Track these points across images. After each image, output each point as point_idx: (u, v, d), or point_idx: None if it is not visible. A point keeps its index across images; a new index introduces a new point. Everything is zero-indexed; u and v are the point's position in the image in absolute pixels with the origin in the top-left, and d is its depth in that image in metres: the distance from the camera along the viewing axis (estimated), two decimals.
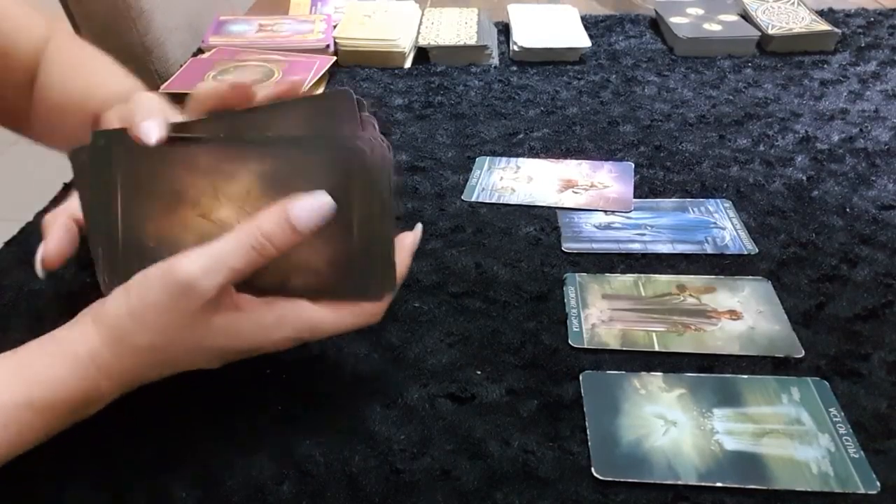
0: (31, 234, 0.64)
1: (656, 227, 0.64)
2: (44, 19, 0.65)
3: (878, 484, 0.42)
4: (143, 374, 0.43)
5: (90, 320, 0.42)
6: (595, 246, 0.62)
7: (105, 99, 0.53)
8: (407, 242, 0.47)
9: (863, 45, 1.02)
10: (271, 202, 0.41)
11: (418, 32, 1.03)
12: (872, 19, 1.10)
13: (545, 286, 0.57)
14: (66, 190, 0.70)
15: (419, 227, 0.49)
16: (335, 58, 0.96)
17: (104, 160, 0.44)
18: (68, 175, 0.71)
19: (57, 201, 0.68)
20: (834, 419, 0.46)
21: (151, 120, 0.43)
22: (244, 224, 0.41)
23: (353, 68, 0.98)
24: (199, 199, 0.43)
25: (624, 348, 0.51)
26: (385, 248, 0.44)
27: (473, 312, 0.55)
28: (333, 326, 0.44)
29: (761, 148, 0.77)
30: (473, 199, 0.69)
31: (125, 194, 0.44)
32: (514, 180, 0.72)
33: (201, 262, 0.40)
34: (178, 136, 0.43)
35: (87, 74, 0.62)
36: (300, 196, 0.41)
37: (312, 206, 0.41)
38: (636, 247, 0.62)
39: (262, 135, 0.44)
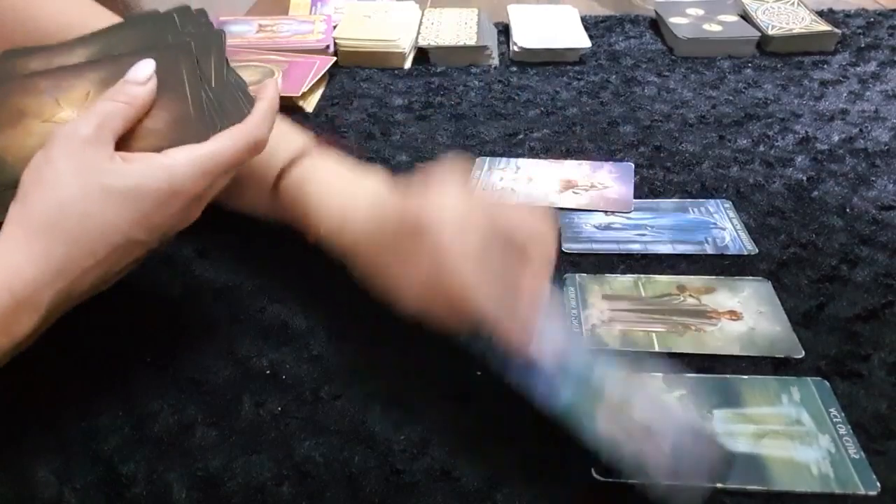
0: None
1: (656, 227, 0.64)
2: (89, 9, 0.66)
3: (878, 485, 0.42)
4: (74, 255, 0.40)
5: (5, 225, 0.41)
6: (595, 246, 0.62)
7: None
8: (268, 82, 0.50)
9: (863, 45, 1.02)
10: None
11: (418, 33, 1.03)
12: (872, 20, 1.10)
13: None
14: None
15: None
16: (335, 58, 0.96)
17: None
18: None
19: None
20: (834, 419, 0.45)
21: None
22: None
23: (352, 69, 0.98)
24: (41, 110, 0.47)
25: (624, 349, 0.51)
26: (224, 100, 0.48)
27: None
28: (229, 146, 0.45)
29: (761, 148, 0.77)
30: None
31: None
32: (514, 181, 0.72)
33: (75, 119, 0.43)
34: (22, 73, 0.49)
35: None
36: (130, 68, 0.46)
37: (140, 64, 0.46)
38: (636, 247, 0.62)
39: (97, 57, 0.50)
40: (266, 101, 0.48)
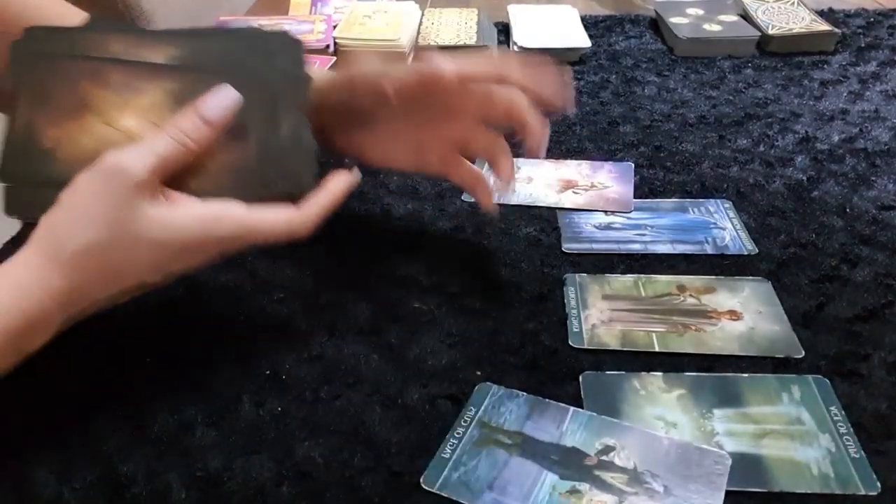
0: (31, 233, 0.64)
1: (656, 227, 0.64)
2: (78, 14, 0.66)
3: (879, 485, 0.41)
4: (88, 290, 0.42)
5: (30, 248, 0.41)
6: (595, 246, 0.62)
7: None
8: (341, 173, 0.49)
9: (863, 45, 1.02)
10: (171, 114, 0.44)
11: (418, 33, 1.03)
12: (872, 20, 1.10)
13: (545, 286, 0.57)
14: None
15: (356, 171, 0.51)
16: (335, 58, 0.96)
17: (17, 62, 0.47)
18: None
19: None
20: (835, 418, 0.45)
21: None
22: (164, 123, 0.43)
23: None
24: (105, 109, 0.45)
25: (624, 349, 0.51)
26: (291, 158, 0.47)
27: (473, 313, 0.55)
28: (267, 225, 0.45)
29: (761, 148, 0.77)
30: (473, 199, 0.69)
31: (30, 97, 0.46)
32: (514, 181, 0.72)
33: (132, 150, 0.41)
34: (92, 56, 0.47)
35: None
36: (207, 93, 0.45)
37: (219, 97, 0.45)
38: (636, 247, 0.62)
39: (176, 63, 0.47)
40: (329, 197, 0.47)
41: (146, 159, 0.41)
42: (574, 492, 0.41)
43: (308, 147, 0.47)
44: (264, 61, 0.48)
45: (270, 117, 0.46)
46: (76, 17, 0.64)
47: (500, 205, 0.68)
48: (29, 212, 0.44)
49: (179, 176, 0.44)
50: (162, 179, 0.43)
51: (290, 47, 0.49)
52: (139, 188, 0.41)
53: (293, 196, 0.46)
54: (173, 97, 0.45)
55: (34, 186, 0.44)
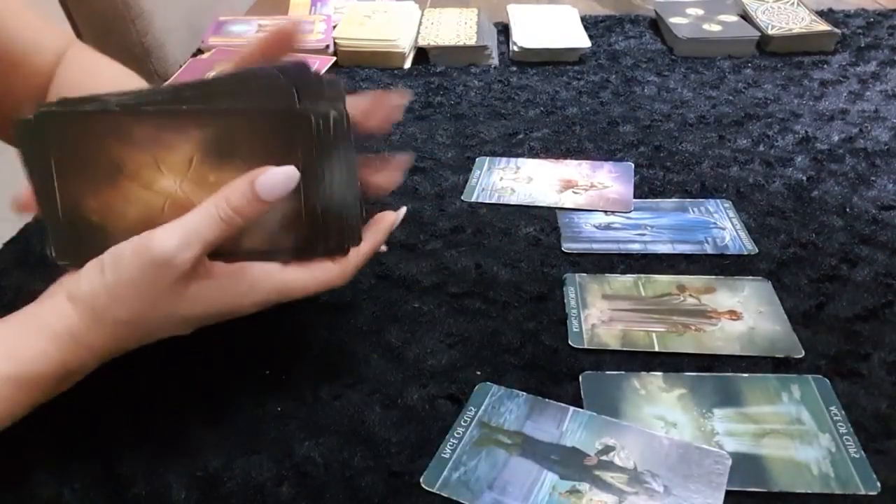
0: (31, 234, 0.64)
1: (656, 227, 0.64)
2: (62, 33, 0.66)
3: (879, 485, 0.41)
4: (122, 346, 0.44)
5: (65, 298, 0.42)
6: (595, 246, 0.62)
7: None
8: (386, 218, 0.48)
9: (862, 45, 1.02)
10: (216, 170, 0.42)
11: (418, 33, 1.03)
12: (872, 20, 1.10)
13: (545, 286, 0.57)
14: None
15: (403, 209, 0.49)
16: (335, 58, 0.96)
17: (38, 136, 0.43)
18: None
19: None
20: (835, 418, 0.45)
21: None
22: (212, 197, 0.42)
23: (352, 69, 0.97)
24: (140, 172, 0.43)
25: (624, 349, 0.51)
26: (339, 211, 0.44)
27: (473, 313, 0.55)
28: (303, 286, 0.44)
29: (761, 148, 0.77)
30: (473, 199, 0.69)
31: (60, 171, 0.43)
32: (514, 181, 0.72)
33: (176, 237, 0.41)
34: (109, 110, 0.43)
35: (108, 78, 0.63)
36: (266, 168, 0.42)
37: (278, 177, 0.42)
38: (636, 247, 0.62)
39: (198, 105, 0.43)
40: (371, 245, 0.47)
41: (191, 250, 0.41)
42: (574, 492, 0.41)
43: (354, 197, 0.45)
44: (308, 95, 0.44)
45: (319, 166, 0.43)
46: (58, 35, 0.65)
47: (501, 205, 0.68)
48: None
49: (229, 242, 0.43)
50: (200, 264, 0.42)
51: (335, 90, 0.46)
52: (184, 277, 0.41)
53: (339, 250, 0.45)
54: (209, 150, 0.43)
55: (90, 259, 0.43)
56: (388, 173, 0.52)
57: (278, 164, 0.42)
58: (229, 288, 0.43)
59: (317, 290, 0.45)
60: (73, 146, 0.43)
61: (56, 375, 0.42)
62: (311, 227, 0.44)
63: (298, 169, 0.42)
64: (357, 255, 0.46)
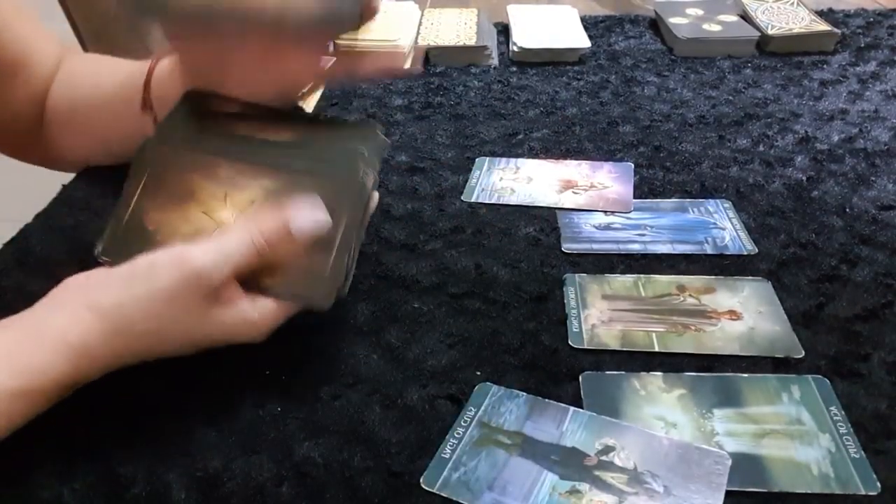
0: (30, 234, 0.64)
1: (656, 227, 0.64)
2: (59, 41, 0.66)
3: (879, 485, 0.41)
4: (126, 361, 0.44)
5: (84, 307, 0.42)
6: (595, 246, 0.62)
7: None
8: None
9: (862, 45, 1.02)
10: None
11: (418, 33, 1.03)
12: (872, 20, 1.10)
13: (545, 287, 0.57)
14: (65, 190, 0.70)
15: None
16: (334, 58, 0.96)
17: (145, 154, 0.52)
18: (67, 176, 0.71)
19: (57, 201, 0.69)
20: (835, 418, 0.45)
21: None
22: (246, 222, 0.45)
23: None
24: (208, 201, 0.49)
25: (624, 349, 0.51)
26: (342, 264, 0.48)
27: (473, 313, 0.55)
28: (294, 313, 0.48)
29: (761, 148, 0.77)
30: (473, 199, 0.69)
31: (147, 184, 0.50)
32: (514, 181, 0.72)
33: (212, 254, 0.43)
34: (206, 148, 0.51)
35: (107, 76, 0.64)
36: (301, 205, 0.45)
37: (311, 217, 0.46)
38: (636, 247, 0.62)
39: (280, 160, 0.50)
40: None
41: (224, 269, 0.43)
42: (574, 492, 0.41)
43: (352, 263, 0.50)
44: (356, 168, 0.49)
45: (355, 225, 0.48)
46: (55, 42, 0.65)
47: (500, 205, 0.68)
48: None
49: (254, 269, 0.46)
50: (227, 285, 0.44)
51: (378, 149, 0.52)
52: (210, 296, 0.43)
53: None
54: (269, 195, 0.49)
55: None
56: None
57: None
58: (242, 316, 0.45)
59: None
60: (164, 169, 0.51)
61: (61, 386, 0.42)
62: (330, 283, 0.47)
63: (338, 229, 0.47)
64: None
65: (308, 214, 0.46)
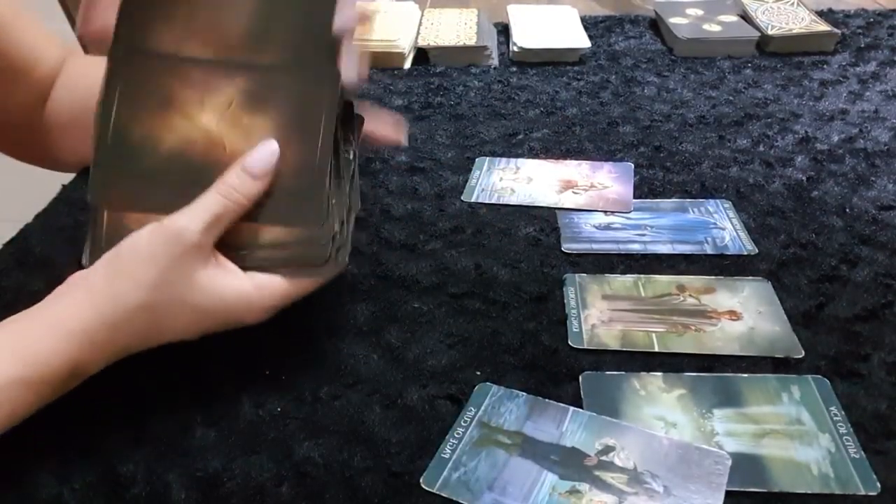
0: (30, 234, 0.64)
1: (656, 227, 0.64)
2: (62, 43, 0.66)
3: (879, 485, 0.41)
4: (132, 343, 0.44)
5: (81, 293, 0.43)
6: (595, 246, 0.62)
7: None
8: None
9: (862, 45, 1.02)
10: (248, 114, 0.47)
11: (418, 33, 1.03)
12: (872, 20, 1.10)
13: (545, 287, 0.57)
14: (65, 190, 0.70)
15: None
16: None
17: (116, 70, 0.49)
18: (67, 176, 0.71)
19: (57, 201, 0.69)
20: (834, 418, 0.45)
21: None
22: (215, 183, 0.45)
23: None
24: (185, 106, 0.48)
25: (624, 349, 0.51)
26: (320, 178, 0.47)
27: (473, 313, 0.55)
28: (310, 288, 0.48)
29: (761, 148, 0.77)
30: (473, 199, 0.69)
31: (122, 100, 0.49)
32: (514, 181, 0.72)
33: (186, 213, 0.44)
34: (180, 56, 0.49)
35: None
36: (253, 150, 0.46)
37: (262, 153, 0.46)
38: (636, 247, 0.62)
39: (252, 59, 0.48)
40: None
41: (200, 219, 0.44)
42: (574, 492, 0.41)
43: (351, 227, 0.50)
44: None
45: (341, 145, 0.48)
46: (58, 44, 0.65)
47: (500, 205, 0.68)
48: (115, 203, 0.48)
49: (238, 242, 0.46)
50: (217, 236, 0.45)
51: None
52: (193, 250, 0.43)
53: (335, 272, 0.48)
54: (247, 96, 0.48)
55: (125, 179, 0.47)
56: (394, 128, 0.55)
57: (303, 118, 0.47)
58: (238, 287, 0.45)
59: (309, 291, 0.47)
60: (138, 81, 0.49)
61: (65, 374, 0.42)
62: (320, 250, 0.47)
63: (319, 126, 0.46)
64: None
65: (258, 151, 0.46)
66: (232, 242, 0.46)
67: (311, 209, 0.47)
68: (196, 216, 0.44)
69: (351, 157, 0.50)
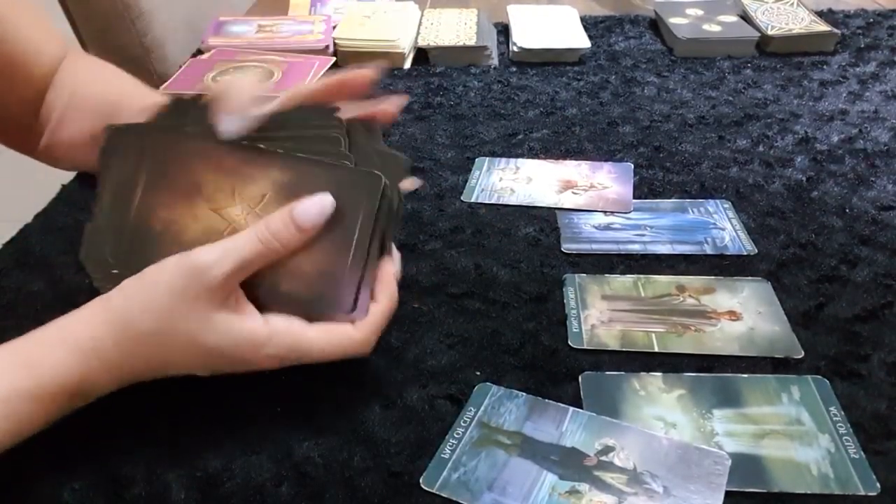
0: (30, 234, 0.64)
1: (656, 227, 0.64)
2: (60, 40, 0.66)
3: (878, 485, 0.42)
4: (139, 370, 0.44)
5: (99, 308, 0.43)
6: (594, 247, 0.62)
7: (142, 108, 0.53)
8: (386, 270, 0.47)
9: (862, 45, 1.02)
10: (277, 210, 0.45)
11: (418, 33, 1.03)
12: (872, 20, 1.10)
13: (545, 287, 0.57)
14: (65, 190, 0.70)
15: (397, 256, 0.50)
16: (334, 58, 0.96)
17: (138, 146, 0.48)
18: (67, 176, 0.71)
19: (57, 201, 0.69)
20: (834, 418, 0.45)
21: (233, 115, 0.46)
22: (254, 224, 0.44)
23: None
24: (215, 195, 0.46)
25: (623, 349, 0.51)
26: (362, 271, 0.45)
27: (473, 313, 0.55)
28: (320, 349, 0.45)
29: (761, 149, 0.77)
30: (473, 199, 0.69)
31: (149, 180, 0.47)
32: (514, 181, 0.72)
33: (215, 251, 0.42)
34: (208, 137, 0.46)
35: (105, 84, 0.63)
36: (305, 198, 0.44)
37: (314, 204, 0.44)
38: (636, 247, 0.62)
39: (291, 152, 0.46)
40: (384, 315, 0.47)
41: (227, 264, 0.42)
42: (574, 492, 0.41)
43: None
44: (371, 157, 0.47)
45: (376, 236, 0.45)
46: (57, 41, 0.65)
47: (500, 205, 0.68)
48: (105, 281, 0.46)
49: (268, 273, 0.45)
50: (242, 278, 0.44)
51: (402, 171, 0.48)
52: (212, 292, 0.42)
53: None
54: (281, 191, 0.45)
55: (142, 263, 0.44)
56: (390, 102, 0.53)
57: (342, 215, 0.44)
58: (251, 333, 0.43)
59: (336, 356, 0.45)
60: (165, 161, 0.47)
61: (71, 388, 0.42)
62: (346, 285, 0.45)
63: (356, 225, 0.44)
64: (374, 325, 0.46)
65: (310, 201, 0.44)
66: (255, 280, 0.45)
67: (335, 301, 0.45)
68: (226, 258, 0.42)
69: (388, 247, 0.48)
